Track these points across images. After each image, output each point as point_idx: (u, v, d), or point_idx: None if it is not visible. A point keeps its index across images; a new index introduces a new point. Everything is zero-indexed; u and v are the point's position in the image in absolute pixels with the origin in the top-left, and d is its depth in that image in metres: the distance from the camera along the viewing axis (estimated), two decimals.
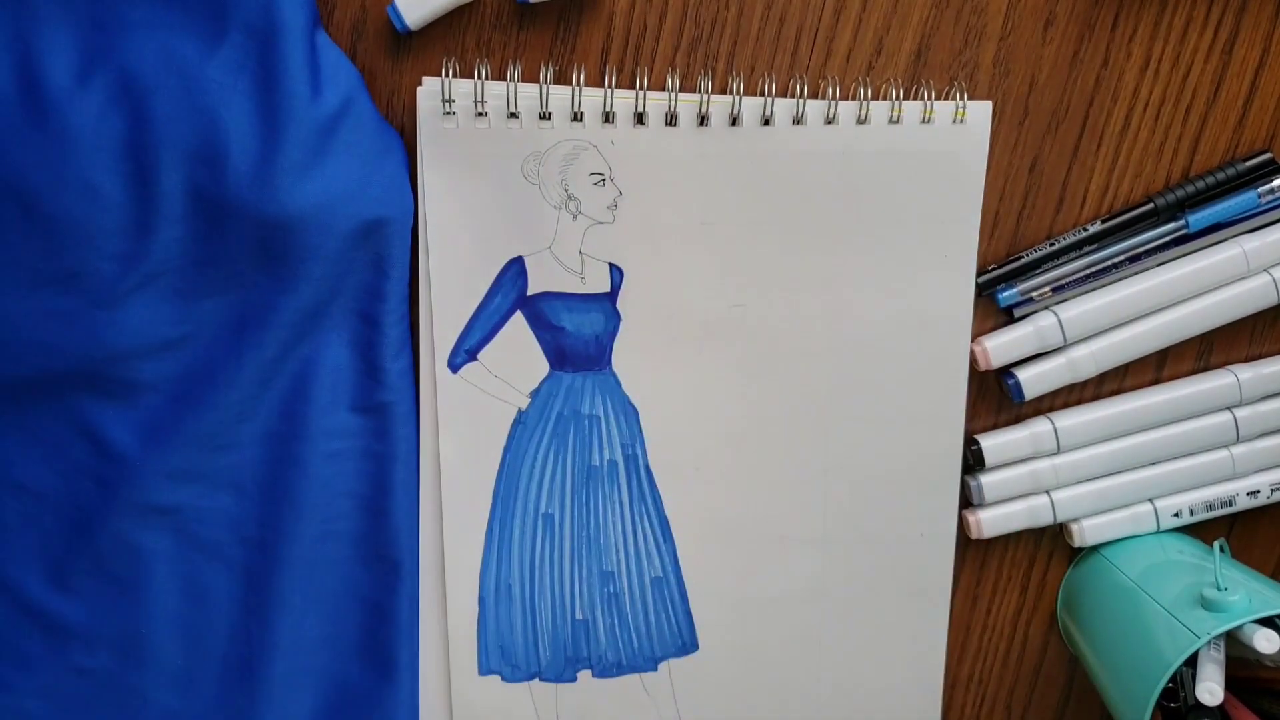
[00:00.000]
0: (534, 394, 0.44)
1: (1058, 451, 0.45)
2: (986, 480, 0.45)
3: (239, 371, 0.41)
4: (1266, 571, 0.48)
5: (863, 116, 0.41)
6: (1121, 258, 0.43)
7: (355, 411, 0.43)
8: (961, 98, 0.42)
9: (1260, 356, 0.45)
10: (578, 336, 0.43)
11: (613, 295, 0.43)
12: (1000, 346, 0.43)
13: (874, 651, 0.47)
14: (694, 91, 0.42)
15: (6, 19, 0.38)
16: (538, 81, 0.40)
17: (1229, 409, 0.44)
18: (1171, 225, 0.43)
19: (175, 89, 0.37)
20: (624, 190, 0.42)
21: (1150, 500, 0.45)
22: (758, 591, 0.46)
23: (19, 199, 0.38)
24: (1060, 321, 0.43)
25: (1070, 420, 0.44)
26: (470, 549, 0.45)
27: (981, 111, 0.42)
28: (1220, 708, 0.39)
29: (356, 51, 0.42)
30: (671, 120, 0.41)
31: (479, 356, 0.43)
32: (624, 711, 0.47)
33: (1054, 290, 0.43)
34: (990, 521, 0.45)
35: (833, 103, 0.41)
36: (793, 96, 0.41)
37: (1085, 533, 0.45)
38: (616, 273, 0.43)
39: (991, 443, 0.45)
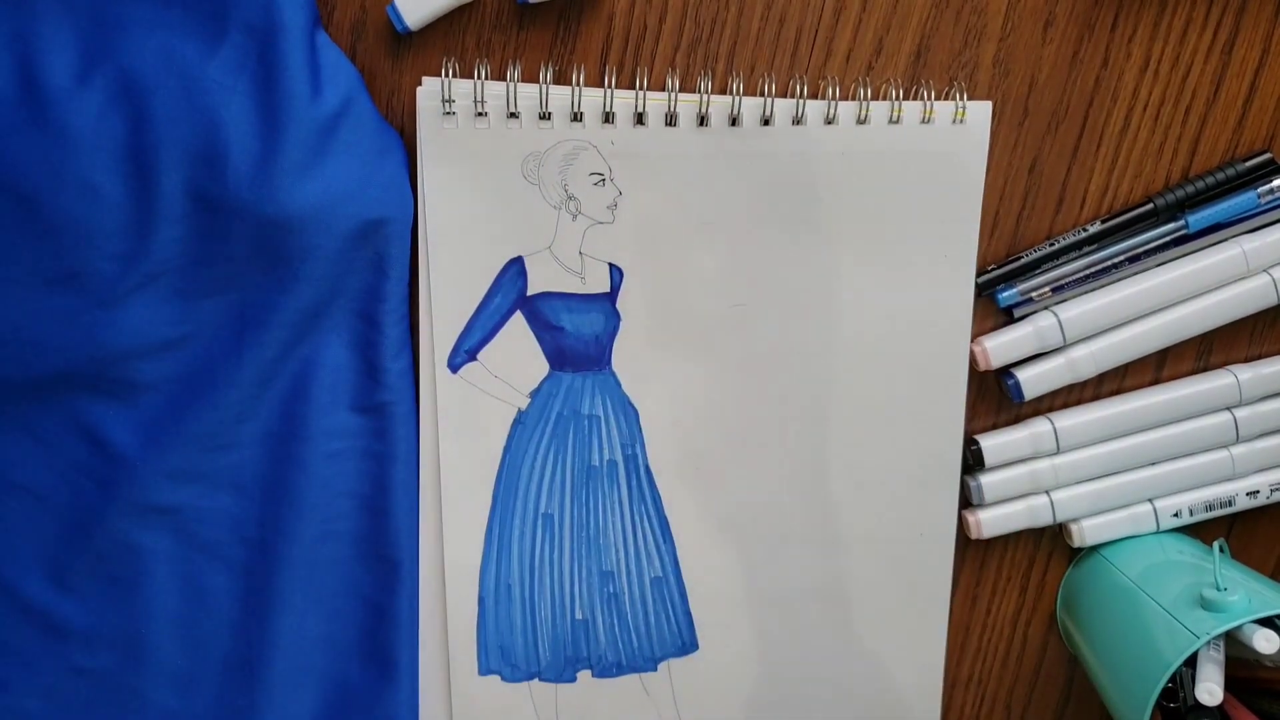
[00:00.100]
0: (534, 394, 0.44)
1: (1057, 452, 0.45)
2: (986, 480, 0.45)
3: (239, 371, 0.41)
4: (1266, 571, 0.48)
5: (862, 117, 0.41)
6: (1121, 258, 0.43)
7: (355, 411, 0.43)
8: (961, 98, 0.42)
9: (1260, 357, 0.45)
10: (577, 336, 0.43)
11: (612, 295, 0.43)
12: (1000, 346, 0.43)
13: (874, 651, 0.47)
14: (694, 92, 0.42)
15: (6, 18, 0.38)
16: (537, 81, 0.40)
17: (1229, 409, 0.44)
18: (1171, 225, 0.43)
19: (175, 89, 0.37)
20: (624, 190, 0.42)
21: (1150, 500, 0.45)
22: (758, 591, 0.46)
23: (19, 199, 0.38)
24: (1060, 322, 0.43)
25: (1070, 420, 0.44)
26: (470, 549, 0.45)
27: (981, 112, 0.42)
28: (1220, 708, 0.40)
29: (356, 51, 0.42)
30: (671, 120, 0.41)
31: (479, 356, 0.43)
32: (624, 712, 0.46)
33: (1054, 290, 0.43)
34: (990, 522, 0.45)
35: (832, 103, 0.41)
36: (792, 97, 0.41)
37: (1085, 533, 0.46)
38: (616, 273, 0.43)
39: (991, 443, 0.45)
